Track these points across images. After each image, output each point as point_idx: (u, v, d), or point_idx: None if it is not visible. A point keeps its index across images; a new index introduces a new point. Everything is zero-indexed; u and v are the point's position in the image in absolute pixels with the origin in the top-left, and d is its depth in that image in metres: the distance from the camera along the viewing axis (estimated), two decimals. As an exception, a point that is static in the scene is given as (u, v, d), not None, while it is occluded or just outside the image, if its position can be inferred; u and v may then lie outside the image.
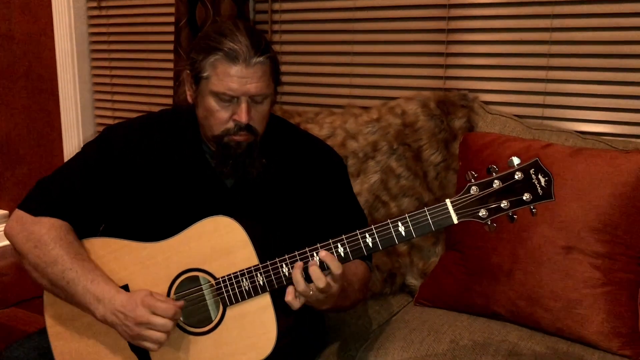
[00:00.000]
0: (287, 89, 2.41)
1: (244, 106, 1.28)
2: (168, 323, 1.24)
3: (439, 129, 1.87)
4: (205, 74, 1.28)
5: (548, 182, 1.10)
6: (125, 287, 1.35)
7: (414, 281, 1.83)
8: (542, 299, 1.49)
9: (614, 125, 1.88)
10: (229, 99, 1.28)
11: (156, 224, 1.37)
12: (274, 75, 1.32)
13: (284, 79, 2.39)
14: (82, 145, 1.49)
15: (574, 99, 1.93)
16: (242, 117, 1.28)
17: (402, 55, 2.17)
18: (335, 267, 1.17)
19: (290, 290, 1.19)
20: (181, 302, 1.28)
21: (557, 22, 1.90)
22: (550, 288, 1.49)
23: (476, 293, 1.60)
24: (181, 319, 1.31)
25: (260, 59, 1.26)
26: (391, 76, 2.20)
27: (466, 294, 1.62)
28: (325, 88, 2.33)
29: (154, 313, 1.23)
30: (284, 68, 2.37)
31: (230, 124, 1.30)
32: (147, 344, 1.26)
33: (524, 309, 1.52)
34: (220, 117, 1.30)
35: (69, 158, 1.47)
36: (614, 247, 1.47)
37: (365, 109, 2.01)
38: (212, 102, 1.30)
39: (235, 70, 1.26)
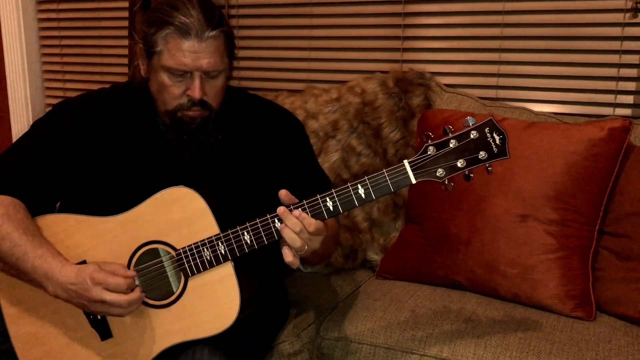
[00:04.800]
0: (244, 73, 2.39)
1: (197, 82, 1.26)
2: (123, 300, 1.21)
3: (398, 107, 1.89)
4: (157, 49, 1.26)
5: (502, 140, 1.13)
6: (83, 264, 1.31)
7: (375, 256, 1.85)
8: (499, 266, 1.53)
9: (564, 105, 1.95)
10: (182, 74, 1.26)
11: (113, 198, 1.34)
12: (229, 49, 1.30)
13: (242, 63, 2.40)
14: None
15: (526, 80, 1.99)
16: (196, 93, 1.27)
17: (360, 39, 2.19)
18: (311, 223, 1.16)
19: (287, 252, 1.17)
20: (132, 272, 1.25)
21: (509, 5, 1.96)
22: (507, 255, 1.53)
23: (436, 263, 1.63)
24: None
25: (213, 33, 1.24)
26: (349, 60, 2.22)
27: (426, 265, 1.65)
28: (283, 73, 2.33)
29: (107, 289, 1.21)
30: (241, 53, 2.38)
31: (184, 99, 1.28)
32: (111, 315, 1.26)
33: (482, 277, 1.56)
34: (173, 92, 1.28)
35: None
36: (566, 214, 1.52)
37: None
38: (164, 77, 1.27)
39: (188, 45, 1.23)
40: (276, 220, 1.19)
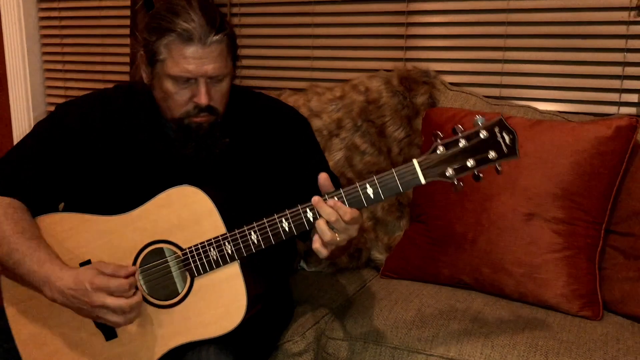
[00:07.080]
0: (246, 72, 2.38)
1: (203, 88, 1.24)
2: (125, 304, 1.20)
3: (402, 105, 1.89)
4: (160, 57, 1.24)
5: (512, 139, 1.11)
6: (88, 263, 1.30)
7: (379, 256, 1.84)
8: (505, 266, 1.53)
9: (568, 104, 1.94)
10: (187, 81, 1.25)
11: (118, 198, 1.33)
12: (232, 52, 1.28)
13: (244, 62, 2.39)
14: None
15: (530, 79, 1.98)
16: (202, 100, 1.25)
17: (363, 38, 2.18)
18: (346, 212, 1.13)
19: (316, 238, 1.15)
20: (133, 268, 1.23)
21: (513, 4, 1.95)
22: (513, 254, 1.52)
23: (441, 262, 1.62)
24: (146, 291, 1.28)
25: (217, 37, 1.22)
26: (352, 59, 2.21)
27: (432, 264, 1.64)
28: (285, 71, 2.32)
29: (110, 293, 1.20)
30: (244, 52, 2.37)
31: (190, 106, 1.27)
32: (111, 323, 1.24)
33: (488, 276, 1.55)
34: (179, 100, 1.27)
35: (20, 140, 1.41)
36: (573, 213, 1.52)
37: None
38: (169, 85, 1.26)
39: (191, 51, 1.21)
40: (308, 210, 1.16)
